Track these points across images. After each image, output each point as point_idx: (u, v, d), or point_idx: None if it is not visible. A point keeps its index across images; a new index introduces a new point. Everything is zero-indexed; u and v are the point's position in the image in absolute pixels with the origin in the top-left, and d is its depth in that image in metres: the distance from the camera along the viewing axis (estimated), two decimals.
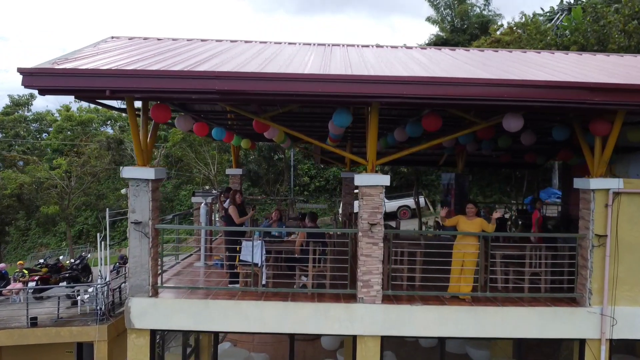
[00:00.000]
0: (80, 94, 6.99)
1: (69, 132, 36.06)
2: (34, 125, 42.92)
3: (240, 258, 8.22)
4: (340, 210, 24.41)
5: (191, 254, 11.25)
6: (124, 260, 17.92)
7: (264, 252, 8.12)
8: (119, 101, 8.68)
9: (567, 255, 8.87)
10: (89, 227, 32.93)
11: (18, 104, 41.66)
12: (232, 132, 12.22)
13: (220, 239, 11.31)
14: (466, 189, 15.81)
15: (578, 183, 8.20)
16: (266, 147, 22.43)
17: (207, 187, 23.66)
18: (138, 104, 7.91)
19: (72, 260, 18.28)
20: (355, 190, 22.10)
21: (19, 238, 36.40)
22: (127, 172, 7.74)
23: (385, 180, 7.61)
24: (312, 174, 30.80)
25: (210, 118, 11.26)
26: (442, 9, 31.20)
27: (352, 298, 7.93)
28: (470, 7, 30.30)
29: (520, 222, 17.61)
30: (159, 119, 7.53)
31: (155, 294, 7.96)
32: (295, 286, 8.40)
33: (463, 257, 8.23)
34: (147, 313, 7.79)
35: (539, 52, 11.91)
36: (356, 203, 20.56)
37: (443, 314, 7.82)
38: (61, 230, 33.80)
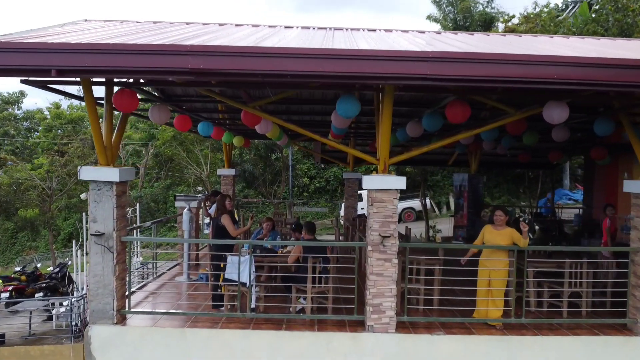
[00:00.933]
0: (22, 75, 5.59)
1: (59, 131, 34.62)
2: (25, 123, 41.52)
3: (225, 276, 6.84)
4: (341, 213, 23.03)
5: (171, 268, 9.86)
6: None
7: (254, 269, 6.74)
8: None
9: (613, 272, 7.58)
10: (79, 230, 31.51)
11: (8, 101, 40.18)
12: (221, 128, 10.84)
13: (207, 250, 9.91)
14: (481, 191, 14.43)
15: (630, 186, 6.81)
16: (263, 146, 21.02)
17: (200, 189, 22.28)
18: (101, 90, 6.55)
19: (52, 268, 16.85)
20: (360, 192, 20.73)
21: (7, 241, 34.97)
22: (86, 172, 6.38)
23: (400, 183, 6.24)
24: (311, 174, 29.39)
25: (197, 110, 9.89)
26: (445, 6, 30.20)
27: (359, 325, 6.56)
28: (473, 4, 29.19)
29: (537, 227, 16.27)
30: (123, 108, 6.17)
31: (121, 320, 6.59)
32: (291, 310, 7.04)
33: (489, 275, 6.87)
34: (111, 344, 6.44)
35: (567, 37, 10.54)
36: (360, 205, 19.16)
37: (470, 345, 6.45)
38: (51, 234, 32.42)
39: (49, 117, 36.22)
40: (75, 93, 7.15)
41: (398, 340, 6.36)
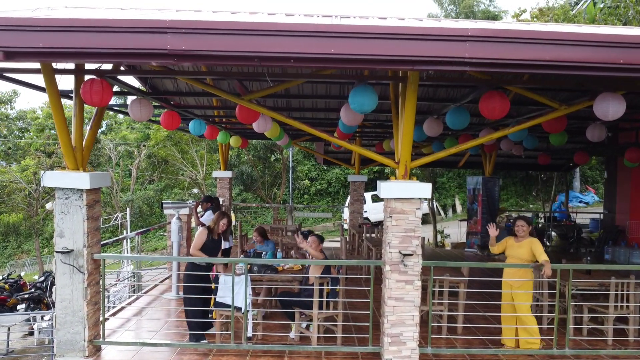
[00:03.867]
0: None
1: (53, 131, 33.54)
2: (18, 123, 40.40)
3: (217, 300, 5.82)
4: (344, 216, 22.00)
5: (157, 285, 8.84)
6: None
7: (250, 291, 5.73)
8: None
9: None
10: None
11: (0, 101, 39.10)
12: (215, 127, 9.83)
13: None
14: (496, 194, 13.41)
15: None
16: (261, 146, 19.98)
17: (195, 191, 21.24)
18: (71, 82, 5.54)
19: (37, 277, 15.85)
20: (365, 194, 19.60)
21: None
22: (50, 178, 5.37)
23: (425, 190, 5.23)
24: (312, 175, 28.36)
25: (189, 106, 8.88)
26: (447, 4, 29.53)
27: (375, 358, 5.56)
28: (475, 2, 28.45)
29: (554, 234, 15.29)
30: (93, 101, 5.15)
31: (94, 352, 5.58)
32: (294, 338, 6.03)
33: (512, 297, 5.89)
34: None
35: (597, 27, 9.54)
36: (365, 207, 18.09)
37: None
38: (44, 237, 31.35)
39: (41, 116, 35.13)
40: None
41: None
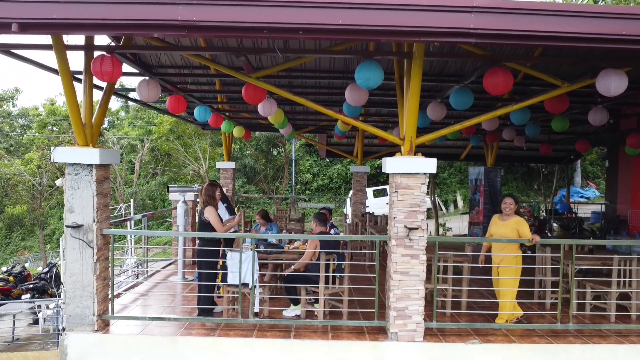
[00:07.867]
0: None
1: (55, 128, 33.62)
2: (20, 120, 40.53)
3: (228, 280, 5.90)
4: (345, 211, 22.06)
5: (165, 267, 8.92)
6: None
7: (257, 267, 5.81)
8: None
9: None
10: None
11: (2, 99, 39.20)
12: (220, 115, 9.91)
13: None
14: (498, 185, 13.49)
15: None
16: (264, 139, 20.02)
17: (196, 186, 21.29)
18: (79, 62, 5.62)
19: (41, 268, 15.92)
20: (367, 189, 19.64)
21: (1, 241, 34.00)
22: (60, 154, 5.45)
23: (430, 166, 5.31)
24: (314, 171, 28.45)
25: (194, 91, 8.96)
26: None
27: (381, 333, 5.64)
28: None
29: (557, 225, 15.37)
30: (104, 76, 5.22)
31: (103, 327, 5.66)
32: (300, 315, 6.11)
33: (498, 273, 6.03)
34: (91, 355, 5.50)
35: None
36: (367, 202, 18.20)
37: (510, 356, 5.52)
38: (45, 233, 31.46)
39: (43, 113, 35.24)
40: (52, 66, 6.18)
41: (427, 351, 5.43)
